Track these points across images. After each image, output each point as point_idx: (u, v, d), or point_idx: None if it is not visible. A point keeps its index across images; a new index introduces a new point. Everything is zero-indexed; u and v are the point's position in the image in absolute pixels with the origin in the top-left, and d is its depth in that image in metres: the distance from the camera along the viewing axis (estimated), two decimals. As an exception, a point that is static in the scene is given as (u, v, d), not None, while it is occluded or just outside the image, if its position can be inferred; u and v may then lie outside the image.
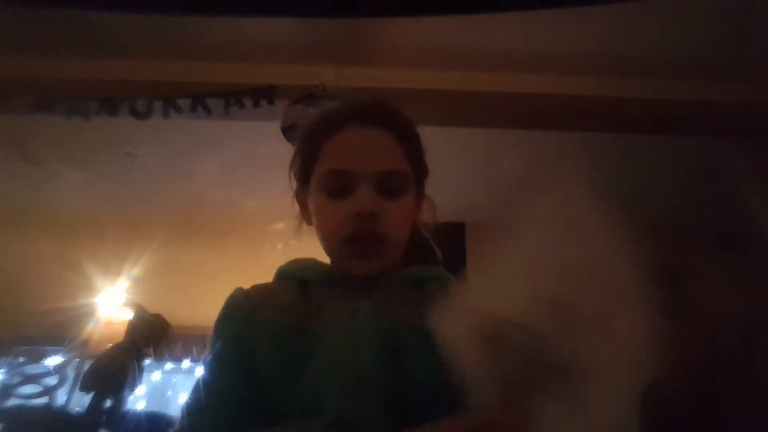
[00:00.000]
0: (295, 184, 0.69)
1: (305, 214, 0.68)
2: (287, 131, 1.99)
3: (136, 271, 3.42)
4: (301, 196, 0.68)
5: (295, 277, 0.64)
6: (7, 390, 2.65)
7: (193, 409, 0.51)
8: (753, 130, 2.19)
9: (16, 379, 2.76)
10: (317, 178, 0.60)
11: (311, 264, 0.66)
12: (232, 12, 1.75)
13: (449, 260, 0.66)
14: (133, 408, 2.32)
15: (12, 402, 2.57)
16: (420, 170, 0.65)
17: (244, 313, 0.58)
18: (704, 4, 1.83)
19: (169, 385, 3.91)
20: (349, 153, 0.59)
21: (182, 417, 0.52)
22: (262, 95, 2.02)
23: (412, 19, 1.90)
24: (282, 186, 0.71)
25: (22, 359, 3.05)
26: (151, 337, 3.76)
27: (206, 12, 1.74)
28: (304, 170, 0.64)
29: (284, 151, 2.09)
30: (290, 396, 0.50)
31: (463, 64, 2.13)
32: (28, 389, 2.63)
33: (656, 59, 2.08)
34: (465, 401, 0.45)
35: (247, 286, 0.64)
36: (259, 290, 0.63)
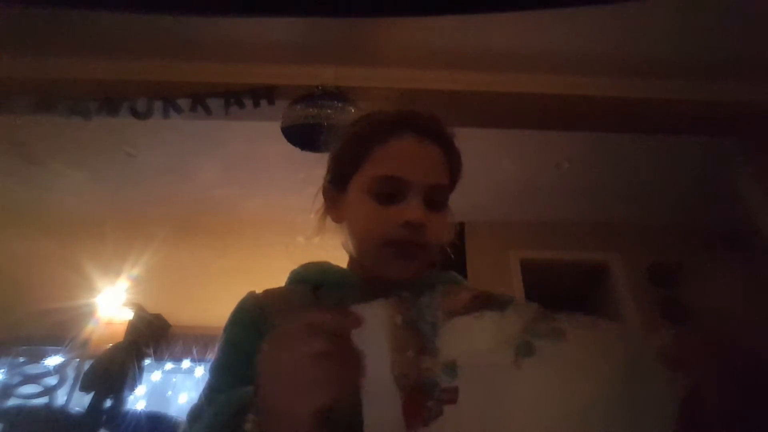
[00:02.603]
0: (327, 181, 0.68)
1: (333, 212, 0.67)
2: (287, 131, 1.99)
3: (136, 271, 3.42)
4: (332, 194, 0.66)
5: (309, 281, 0.63)
6: (7, 390, 2.65)
7: (196, 415, 0.51)
8: (753, 130, 2.19)
9: (16, 379, 2.76)
10: (366, 181, 0.60)
11: (326, 267, 0.65)
12: (232, 12, 1.75)
13: (449, 260, 0.66)
14: (133, 408, 2.32)
15: (12, 402, 2.58)
16: (453, 186, 0.66)
17: (252, 319, 0.58)
18: (704, 4, 1.83)
19: (169, 385, 3.91)
20: (404, 161, 0.59)
21: (186, 422, 0.51)
22: (262, 95, 2.02)
23: (412, 19, 1.91)
24: (282, 186, 0.70)
25: (22, 359, 3.05)
26: (151, 337, 3.76)
27: (206, 12, 1.74)
28: (346, 170, 0.63)
29: (284, 151, 2.11)
30: None
31: (463, 64, 2.13)
32: (28, 389, 2.64)
33: (656, 59, 2.08)
34: None
35: (246, 286, 0.63)
36: (270, 295, 0.62)
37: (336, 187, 0.65)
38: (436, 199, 0.59)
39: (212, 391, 0.53)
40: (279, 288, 0.65)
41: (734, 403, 0.26)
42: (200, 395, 0.53)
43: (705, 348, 0.30)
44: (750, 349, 0.27)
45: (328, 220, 0.68)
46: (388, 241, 0.57)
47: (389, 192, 0.58)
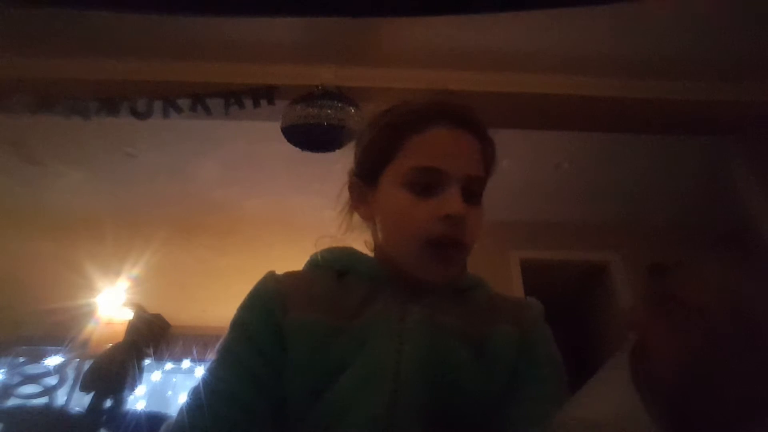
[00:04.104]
0: (353, 175, 0.64)
1: (361, 208, 0.63)
2: (287, 131, 1.99)
3: (136, 271, 3.42)
4: (360, 188, 0.62)
5: (334, 267, 0.60)
6: (7, 390, 2.65)
7: (193, 406, 0.49)
8: (753, 130, 2.19)
9: (16, 379, 2.76)
10: (400, 172, 0.56)
11: (355, 254, 0.62)
12: (232, 12, 1.75)
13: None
14: (133, 408, 2.32)
15: (12, 402, 2.57)
16: (487, 178, 0.63)
17: (271, 304, 0.55)
18: (703, 4, 1.83)
19: (169, 385, 3.92)
20: (441, 152, 0.56)
21: (180, 414, 0.50)
22: (262, 95, 2.02)
23: (412, 19, 1.90)
24: (281, 186, 0.69)
25: (22, 359, 3.05)
26: (151, 337, 3.77)
27: (206, 12, 1.74)
28: (378, 161, 0.59)
29: (284, 151, 2.10)
30: (319, 401, 0.49)
31: (463, 64, 2.13)
32: (28, 389, 2.63)
33: (656, 59, 2.08)
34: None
35: (246, 286, 0.60)
36: (292, 278, 0.59)
37: (365, 181, 0.62)
38: (474, 192, 0.56)
39: (217, 386, 0.51)
40: (300, 271, 0.62)
41: (676, 352, 0.30)
42: (199, 390, 0.51)
43: (653, 311, 0.35)
44: (692, 305, 0.31)
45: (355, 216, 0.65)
46: (428, 241, 0.53)
47: (426, 183, 0.55)
